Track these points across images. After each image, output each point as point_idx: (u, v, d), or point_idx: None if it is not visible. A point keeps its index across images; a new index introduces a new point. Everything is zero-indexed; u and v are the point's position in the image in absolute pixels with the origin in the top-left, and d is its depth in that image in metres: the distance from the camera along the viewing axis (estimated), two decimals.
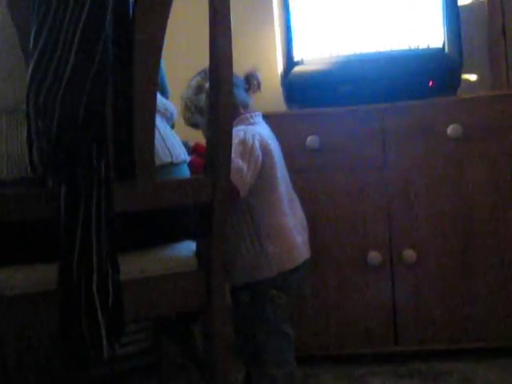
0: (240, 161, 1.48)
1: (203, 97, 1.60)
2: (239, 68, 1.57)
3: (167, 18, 0.98)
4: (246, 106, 1.66)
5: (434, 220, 1.89)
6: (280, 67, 2.01)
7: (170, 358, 1.81)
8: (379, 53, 1.97)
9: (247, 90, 1.68)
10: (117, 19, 0.93)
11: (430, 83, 1.92)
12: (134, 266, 1.11)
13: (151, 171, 1.04)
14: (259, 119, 1.66)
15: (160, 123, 1.20)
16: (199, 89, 1.61)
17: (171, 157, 1.16)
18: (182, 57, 2.16)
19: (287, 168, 1.62)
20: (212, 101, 1.10)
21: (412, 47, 1.97)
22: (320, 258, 1.87)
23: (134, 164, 1.00)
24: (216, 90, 1.09)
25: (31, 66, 0.88)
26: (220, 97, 1.08)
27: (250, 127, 1.59)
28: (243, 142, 1.51)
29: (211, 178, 1.11)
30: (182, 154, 1.23)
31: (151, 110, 0.99)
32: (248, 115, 1.63)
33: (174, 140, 1.22)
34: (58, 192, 0.93)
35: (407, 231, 1.90)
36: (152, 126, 1.01)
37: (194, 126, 1.67)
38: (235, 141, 1.51)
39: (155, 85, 1.00)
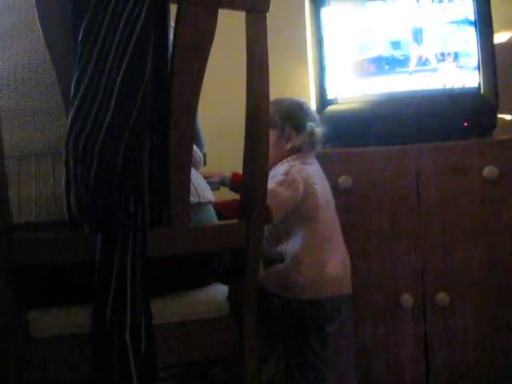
0: (277, 187, 1.60)
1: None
2: None
3: (205, 66, 0.99)
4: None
5: (468, 262, 1.85)
6: (313, 106, 2.01)
7: None
8: (414, 92, 1.96)
9: None
10: (156, 69, 0.93)
11: (465, 124, 1.90)
12: (165, 310, 1.10)
13: (186, 217, 1.03)
14: (313, 160, 1.75)
15: None
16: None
17: (199, 197, 1.18)
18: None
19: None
20: (248, 146, 1.09)
21: (447, 87, 1.95)
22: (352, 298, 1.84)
23: (169, 210, 1.00)
24: (253, 135, 1.09)
25: (71, 114, 0.89)
26: (257, 143, 1.08)
27: (300, 166, 1.69)
28: (286, 173, 1.65)
29: (246, 223, 1.11)
30: (209, 195, 1.24)
31: (187, 158, 1.00)
32: (306, 154, 1.74)
33: (200, 181, 1.24)
34: (93, 237, 0.93)
35: (441, 273, 1.86)
36: (188, 173, 1.02)
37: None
38: (281, 171, 1.64)
39: (192, 134, 1.00)
